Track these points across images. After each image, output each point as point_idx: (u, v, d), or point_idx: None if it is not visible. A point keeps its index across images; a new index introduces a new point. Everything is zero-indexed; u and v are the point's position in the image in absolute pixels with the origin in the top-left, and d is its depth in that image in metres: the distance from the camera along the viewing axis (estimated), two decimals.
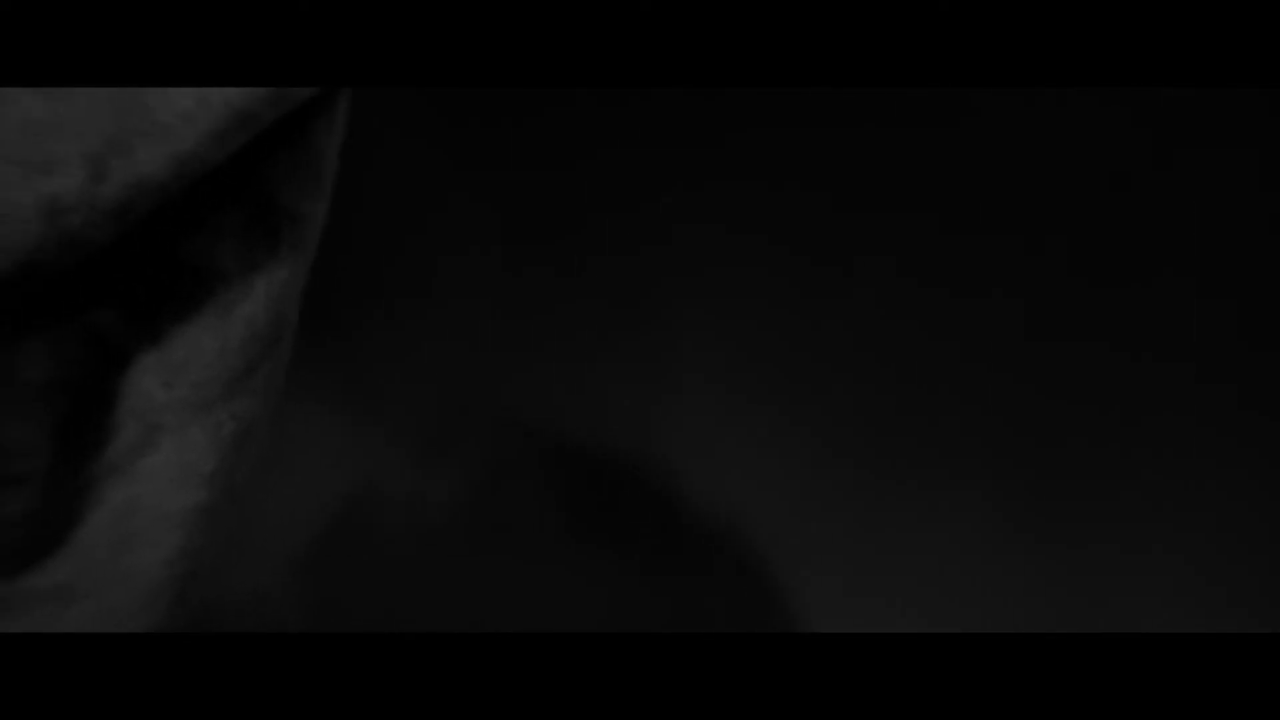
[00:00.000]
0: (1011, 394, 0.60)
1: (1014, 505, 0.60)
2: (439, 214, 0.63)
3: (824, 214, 0.59)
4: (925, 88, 0.53)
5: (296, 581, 0.57)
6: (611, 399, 0.64)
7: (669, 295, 0.63)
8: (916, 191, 0.60)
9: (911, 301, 0.61)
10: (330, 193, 0.39)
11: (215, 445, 0.38)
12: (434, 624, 0.54)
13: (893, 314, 0.61)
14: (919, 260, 0.60)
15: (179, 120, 0.32)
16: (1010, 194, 0.58)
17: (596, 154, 0.62)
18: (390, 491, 0.62)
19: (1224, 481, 0.59)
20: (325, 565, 0.61)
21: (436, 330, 0.64)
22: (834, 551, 0.62)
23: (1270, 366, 0.57)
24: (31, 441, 0.35)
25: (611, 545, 0.60)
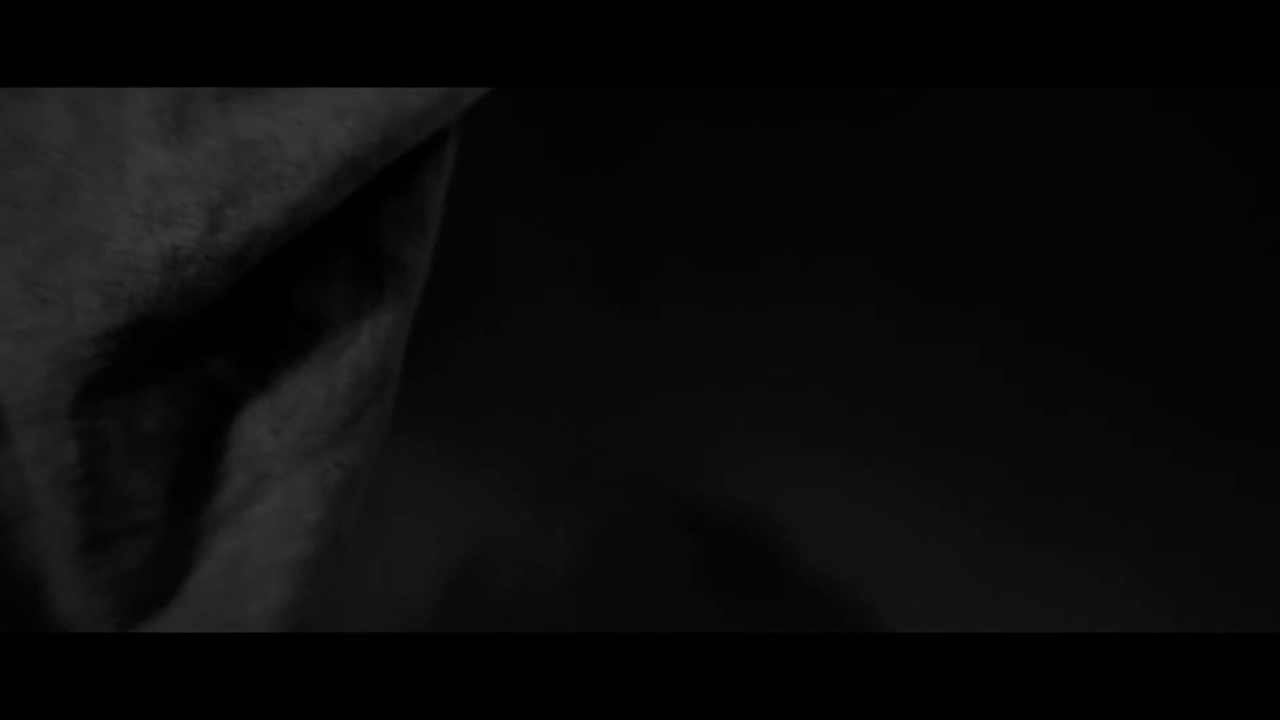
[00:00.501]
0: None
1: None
2: (543, 257, 0.63)
3: (927, 241, 0.57)
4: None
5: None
6: (723, 449, 0.63)
7: (778, 342, 0.62)
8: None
9: (1039, 348, 0.58)
10: (435, 239, 0.39)
11: (321, 494, 0.38)
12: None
13: (1011, 356, 0.59)
14: (1037, 301, 0.58)
15: (292, 169, 0.32)
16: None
17: (701, 191, 0.61)
18: (500, 545, 0.61)
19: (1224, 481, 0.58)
20: (432, 621, 0.60)
21: (542, 378, 0.64)
22: (954, 607, 0.59)
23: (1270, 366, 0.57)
24: (149, 491, 0.35)
25: (726, 603, 0.58)
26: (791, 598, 0.60)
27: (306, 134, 0.32)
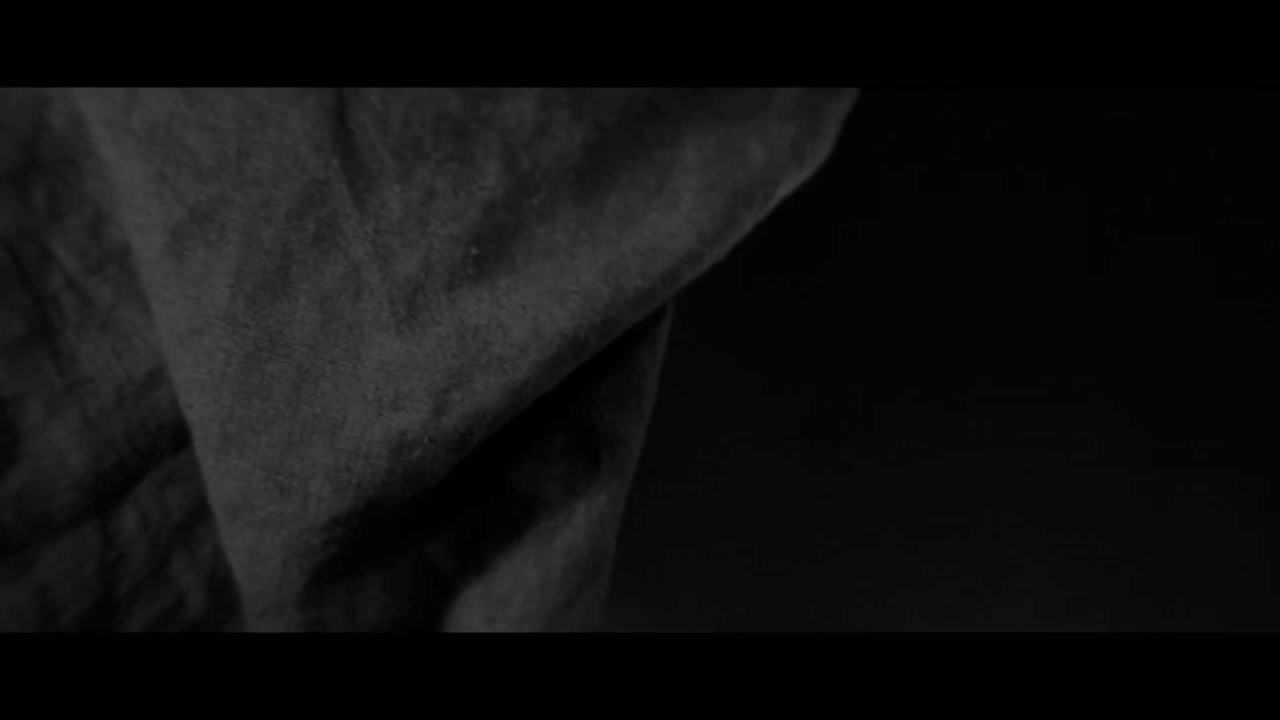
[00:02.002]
0: None
1: None
2: (742, 427, 0.61)
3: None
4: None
5: None
6: (938, 605, 0.57)
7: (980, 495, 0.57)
8: None
9: None
10: (649, 416, 0.38)
11: None
12: None
13: None
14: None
15: (515, 351, 0.32)
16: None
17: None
18: None
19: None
20: None
21: (748, 550, 0.61)
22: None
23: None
24: None
25: None
26: None
27: (529, 317, 0.32)
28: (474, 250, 0.32)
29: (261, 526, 0.31)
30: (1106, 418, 0.57)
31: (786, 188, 0.34)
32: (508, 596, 0.35)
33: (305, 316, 0.31)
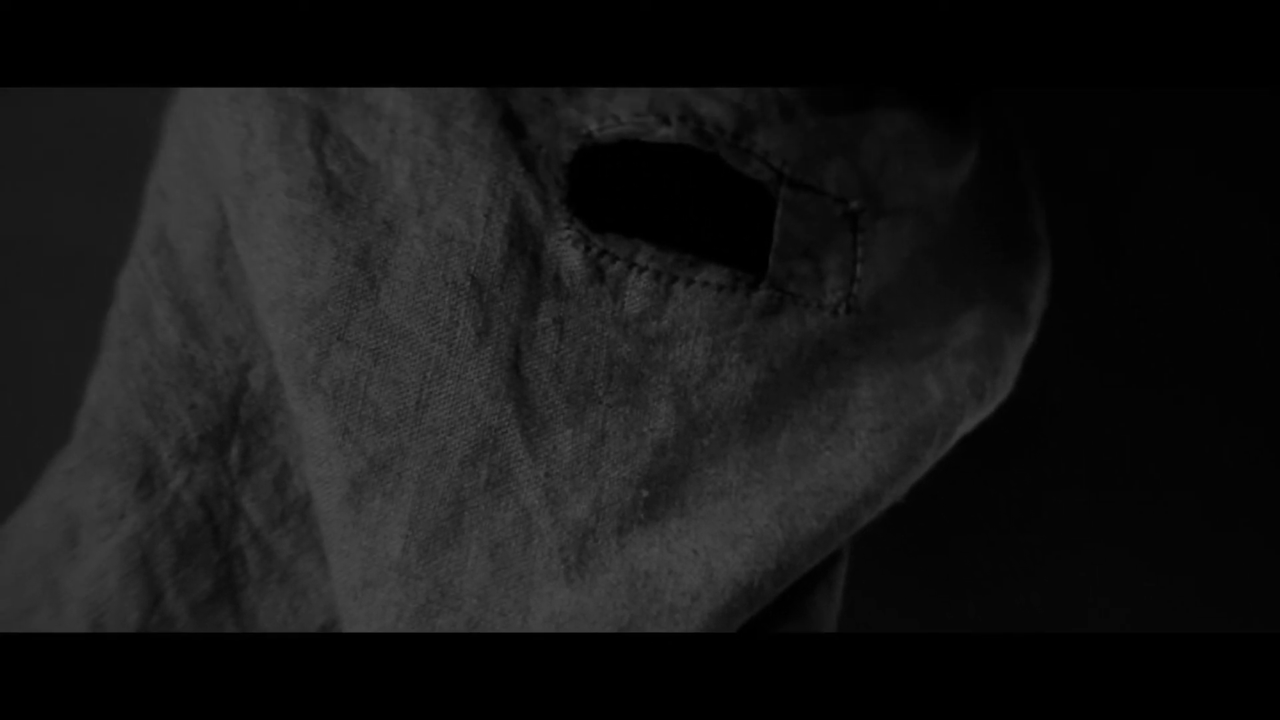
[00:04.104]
0: None
1: None
2: None
3: None
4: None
5: None
6: None
7: None
8: None
9: None
10: None
11: None
12: None
13: None
14: None
15: (686, 600, 0.31)
16: None
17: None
18: None
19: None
20: None
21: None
22: None
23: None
24: None
25: None
26: None
27: (701, 562, 0.31)
28: (644, 493, 0.31)
29: None
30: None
31: (968, 425, 0.32)
32: None
33: (476, 566, 0.30)
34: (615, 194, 0.32)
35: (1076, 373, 0.53)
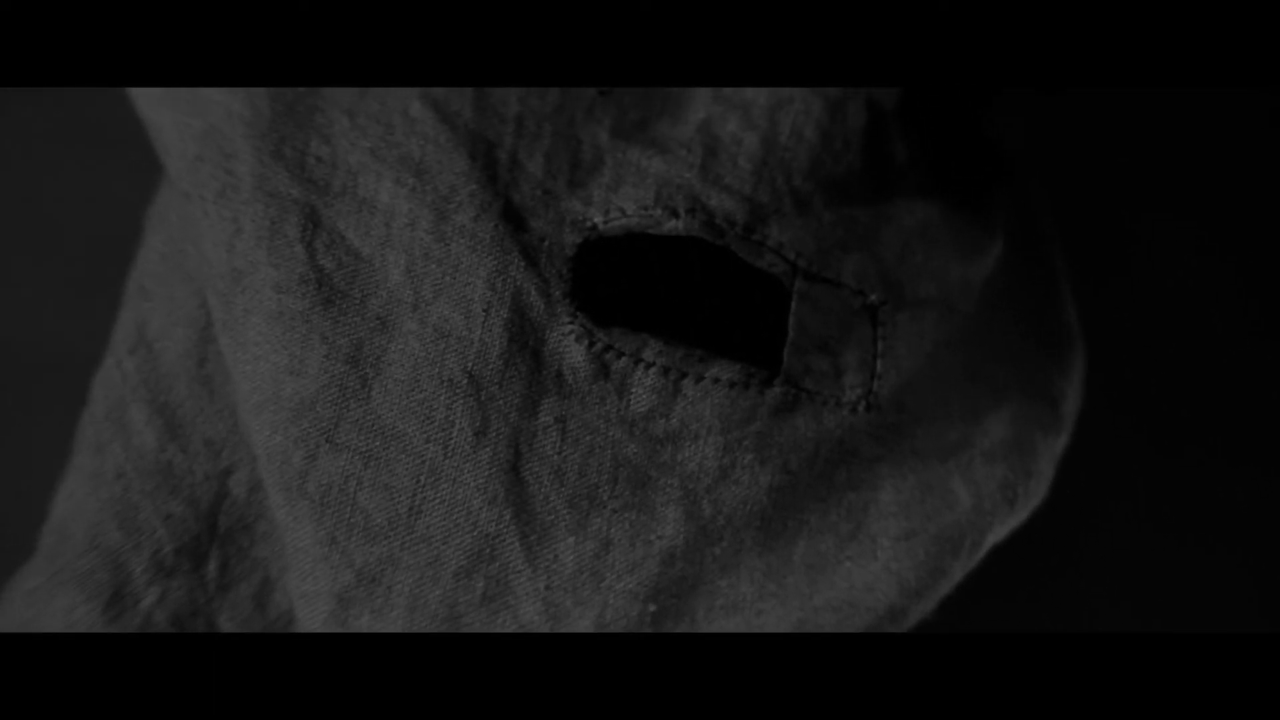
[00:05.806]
0: None
1: None
2: None
3: None
4: None
5: None
6: None
7: None
8: None
9: None
10: None
11: None
12: None
13: None
14: None
15: None
16: None
17: None
18: None
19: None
20: None
21: None
22: None
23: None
24: None
25: None
26: None
27: None
28: (651, 608, 0.29)
29: None
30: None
31: (999, 533, 0.30)
32: None
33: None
34: (620, 287, 0.31)
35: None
